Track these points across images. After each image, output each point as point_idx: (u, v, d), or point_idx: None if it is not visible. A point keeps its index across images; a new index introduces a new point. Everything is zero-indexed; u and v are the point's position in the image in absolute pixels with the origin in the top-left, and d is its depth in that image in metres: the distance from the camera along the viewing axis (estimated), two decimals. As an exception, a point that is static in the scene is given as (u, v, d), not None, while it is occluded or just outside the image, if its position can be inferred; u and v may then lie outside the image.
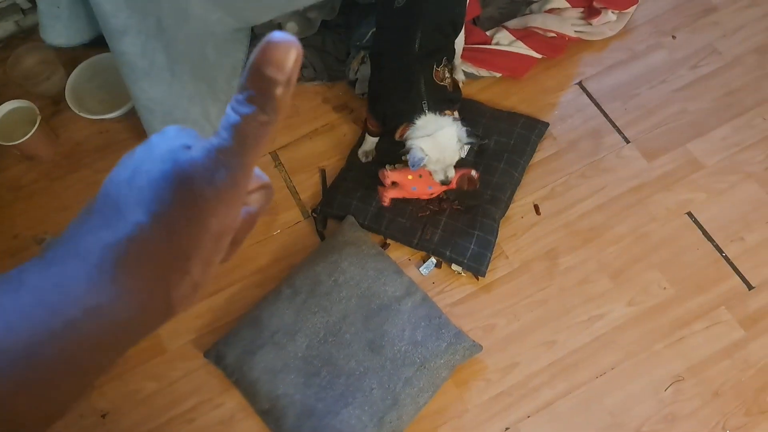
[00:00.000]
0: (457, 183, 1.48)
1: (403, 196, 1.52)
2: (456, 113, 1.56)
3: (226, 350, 1.40)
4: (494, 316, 1.45)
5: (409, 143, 1.37)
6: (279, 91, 0.30)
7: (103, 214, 0.31)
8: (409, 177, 1.48)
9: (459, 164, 1.42)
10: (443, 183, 1.43)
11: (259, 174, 0.37)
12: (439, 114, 1.37)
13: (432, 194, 1.52)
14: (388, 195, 1.51)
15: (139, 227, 0.30)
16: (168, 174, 0.30)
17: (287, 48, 0.29)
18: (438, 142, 1.34)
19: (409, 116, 1.37)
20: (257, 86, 0.30)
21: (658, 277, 1.46)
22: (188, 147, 0.31)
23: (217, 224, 0.31)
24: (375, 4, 1.76)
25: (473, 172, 1.48)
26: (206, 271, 0.32)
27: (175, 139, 0.32)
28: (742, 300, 1.44)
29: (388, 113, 1.45)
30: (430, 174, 1.44)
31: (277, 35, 0.29)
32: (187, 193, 0.30)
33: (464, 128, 1.37)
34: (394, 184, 1.50)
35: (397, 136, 1.41)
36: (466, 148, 1.39)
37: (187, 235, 0.31)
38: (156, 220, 0.30)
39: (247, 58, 1.71)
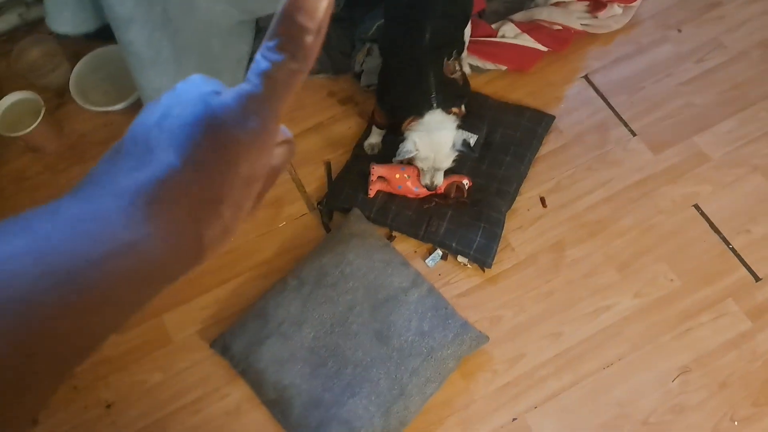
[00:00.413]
0: (445, 189, 1.49)
1: (389, 191, 1.54)
2: (463, 108, 1.57)
3: (233, 341, 1.39)
4: (501, 307, 1.45)
5: (407, 134, 1.38)
6: (309, 39, 0.30)
7: (134, 155, 0.31)
8: (397, 176, 1.49)
9: (454, 170, 1.45)
10: (427, 188, 1.45)
11: (283, 129, 0.37)
12: (447, 110, 1.37)
13: (418, 195, 1.52)
14: (374, 187, 1.52)
15: (172, 168, 0.30)
16: (200, 117, 0.30)
17: None
18: (433, 140, 1.35)
19: (417, 109, 1.38)
20: (288, 33, 0.30)
21: (665, 269, 1.46)
22: (218, 93, 0.31)
23: (248, 169, 0.32)
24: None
25: (465, 181, 1.49)
26: (236, 216, 0.32)
27: (203, 85, 0.32)
28: (749, 291, 1.43)
29: (396, 105, 1.44)
30: (419, 176, 1.45)
31: None
32: (220, 137, 0.30)
33: (462, 136, 1.39)
34: (381, 178, 1.51)
35: (402, 128, 1.41)
36: (453, 155, 1.41)
37: (219, 179, 0.31)
38: (188, 162, 0.30)
39: (253, 51, 1.71)
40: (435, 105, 1.36)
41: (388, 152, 1.54)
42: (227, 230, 0.32)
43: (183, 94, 0.32)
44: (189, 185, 0.30)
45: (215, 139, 0.30)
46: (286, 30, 0.30)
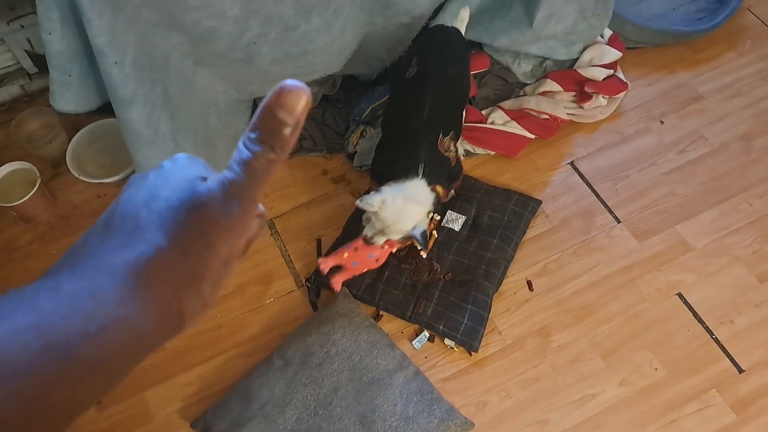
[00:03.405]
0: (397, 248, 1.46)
1: (352, 275, 1.48)
2: (453, 192, 1.59)
3: (214, 421, 1.37)
4: (486, 392, 1.44)
5: (382, 188, 1.35)
6: (288, 132, 0.33)
7: (124, 233, 0.34)
8: (345, 255, 1.45)
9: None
10: (365, 239, 1.38)
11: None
12: (431, 184, 1.37)
13: (378, 260, 1.47)
14: (337, 280, 1.47)
15: (159, 249, 0.33)
16: (187, 202, 0.34)
17: (299, 94, 0.32)
18: (402, 209, 1.31)
19: (403, 174, 1.37)
20: (268, 126, 0.33)
21: (649, 358, 1.47)
22: (203, 178, 0.35)
23: (227, 250, 0.35)
24: (377, 82, 1.82)
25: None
26: (215, 292, 0.36)
27: (188, 168, 0.36)
28: (732, 383, 1.44)
29: (387, 172, 1.44)
30: (364, 241, 1.41)
31: (290, 82, 0.32)
32: (204, 221, 0.33)
33: (423, 227, 1.35)
34: (335, 268, 1.47)
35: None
36: (406, 234, 1.35)
37: (201, 259, 0.34)
38: (174, 244, 0.33)
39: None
40: (420, 175, 1.36)
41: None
42: (206, 304, 0.35)
43: (170, 176, 0.35)
44: (175, 264, 0.33)
45: (200, 223, 0.33)
46: (267, 123, 0.33)
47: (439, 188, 1.41)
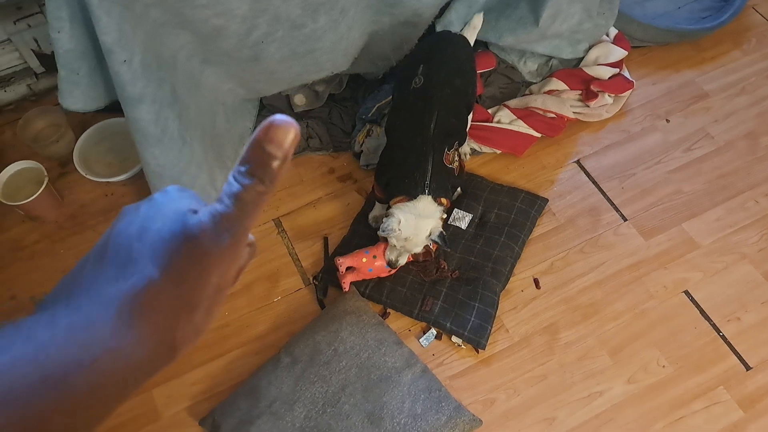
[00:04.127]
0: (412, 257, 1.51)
1: (362, 278, 1.53)
2: (458, 191, 1.61)
3: (222, 419, 1.37)
4: (494, 390, 1.45)
5: (393, 210, 1.41)
6: (276, 164, 0.34)
7: (117, 265, 0.35)
8: (363, 260, 1.50)
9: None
10: (390, 264, 1.46)
11: None
12: (437, 198, 1.41)
13: (391, 270, 1.53)
14: (346, 280, 1.52)
15: (152, 280, 0.34)
16: (178, 235, 0.34)
17: (287, 129, 0.33)
18: (415, 225, 1.38)
19: (409, 191, 1.41)
20: (258, 160, 0.34)
21: (657, 355, 1.47)
22: (194, 211, 0.35)
23: (219, 279, 0.35)
24: (384, 81, 1.83)
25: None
26: (207, 320, 0.36)
27: (179, 201, 0.37)
28: (740, 380, 1.44)
29: (392, 184, 1.48)
30: (384, 250, 1.47)
31: (279, 117, 0.33)
32: (195, 252, 0.34)
33: (440, 229, 1.42)
34: (350, 269, 1.51)
35: (391, 203, 1.45)
36: (427, 243, 1.43)
37: (193, 289, 0.35)
38: (167, 275, 0.34)
39: (255, 128, 1.75)
40: (427, 192, 1.40)
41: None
42: (198, 332, 0.36)
43: (162, 208, 0.36)
44: (167, 295, 0.34)
45: (191, 255, 0.34)
46: (256, 157, 0.34)
47: (443, 200, 1.43)
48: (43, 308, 0.35)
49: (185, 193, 0.38)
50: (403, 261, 1.46)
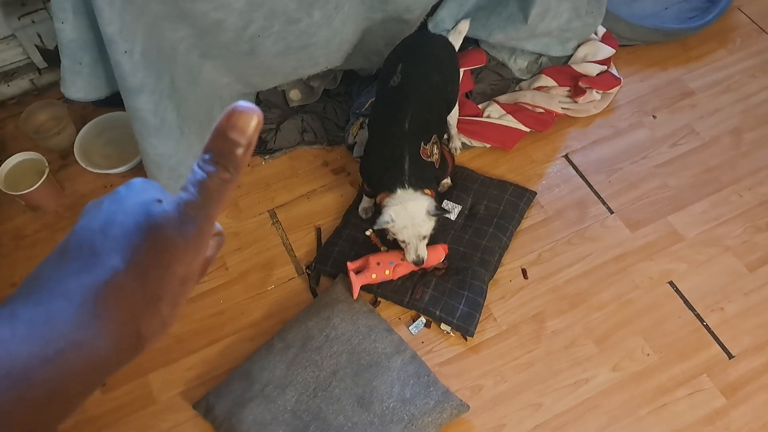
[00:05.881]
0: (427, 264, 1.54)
1: (367, 282, 1.55)
2: (447, 181, 1.65)
3: (216, 402, 1.41)
4: (482, 376, 1.48)
5: (382, 208, 1.45)
6: (240, 152, 0.34)
7: (80, 258, 0.34)
8: (387, 272, 1.54)
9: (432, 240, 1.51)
10: (415, 263, 1.48)
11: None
12: (420, 191, 1.44)
13: (392, 276, 1.56)
14: (356, 283, 1.52)
15: (116, 272, 0.33)
16: (142, 225, 0.34)
17: (250, 115, 0.33)
18: (407, 210, 1.42)
19: (390, 187, 1.45)
20: (221, 147, 0.34)
21: (641, 344, 1.50)
22: (159, 201, 0.35)
23: (184, 269, 0.35)
24: (375, 77, 1.87)
25: (441, 248, 1.55)
26: (173, 312, 0.36)
27: (144, 192, 0.36)
28: (722, 368, 1.47)
29: (373, 177, 1.53)
30: (402, 259, 1.51)
31: (242, 104, 0.33)
32: (160, 242, 0.34)
33: (434, 203, 1.44)
34: (360, 272, 1.54)
35: (378, 201, 1.49)
36: (434, 220, 1.45)
37: (158, 280, 0.34)
38: (131, 266, 0.33)
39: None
40: (407, 185, 1.43)
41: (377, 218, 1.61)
42: (165, 324, 0.36)
43: (125, 200, 0.35)
44: (132, 286, 0.33)
45: (156, 245, 0.34)
46: (220, 145, 0.34)
47: (427, 191, 1.47)
48: (2, 306, 0.33)
49: (150, 185, 0.37)
50: (423, 252, 1.47)
